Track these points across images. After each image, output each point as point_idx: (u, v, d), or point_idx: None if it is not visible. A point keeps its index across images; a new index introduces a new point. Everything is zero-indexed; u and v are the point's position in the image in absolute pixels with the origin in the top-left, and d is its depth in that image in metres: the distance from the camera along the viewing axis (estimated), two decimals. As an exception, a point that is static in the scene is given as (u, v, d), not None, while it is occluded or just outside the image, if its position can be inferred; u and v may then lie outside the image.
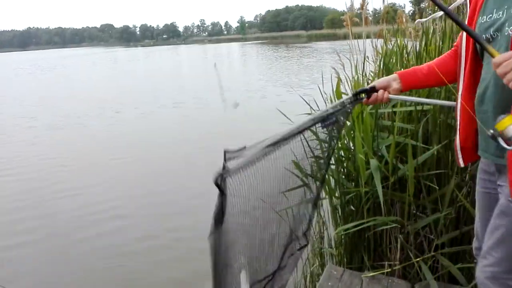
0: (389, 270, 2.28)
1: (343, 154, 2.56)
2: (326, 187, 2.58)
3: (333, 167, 2.58)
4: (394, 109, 2.37)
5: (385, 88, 1.59)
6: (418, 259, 2.18)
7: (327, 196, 2.59)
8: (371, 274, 2.27)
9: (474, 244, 1.56)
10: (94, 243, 3.67)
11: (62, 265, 3.37)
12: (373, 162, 2.15)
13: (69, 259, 3.44)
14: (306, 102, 2.82)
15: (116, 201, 4.52)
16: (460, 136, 1.43)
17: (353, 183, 2.42)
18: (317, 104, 2.78)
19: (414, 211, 2.29)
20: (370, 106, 2.32)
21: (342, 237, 2.51)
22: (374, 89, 1.59)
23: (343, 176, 2.52)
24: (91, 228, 3.91)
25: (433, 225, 2.21)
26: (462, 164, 1.47)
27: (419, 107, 2.29)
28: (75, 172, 5.46)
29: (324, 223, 2.78)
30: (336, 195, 2.58)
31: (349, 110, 1.60)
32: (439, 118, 2.26)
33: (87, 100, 9.77)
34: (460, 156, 1.46)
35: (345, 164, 2.56)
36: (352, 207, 2.42)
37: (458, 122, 1.43)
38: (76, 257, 3.45)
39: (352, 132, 2.43)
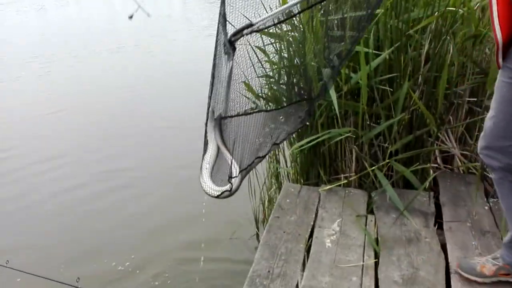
0: (346, 181, 2.28)
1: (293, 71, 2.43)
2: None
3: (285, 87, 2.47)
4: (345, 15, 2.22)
5: None
6: (373, 167, 2.18)
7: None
8: (328, 187, 2.26)
9: (481, 142, 1.46)
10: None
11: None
12: (326, 71, 2.04)
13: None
14: None
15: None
16: (502, 31, 1.27)
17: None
18: None
19: (368, 122, 2.26)
20: (320, 13, 2.17)
21: (297, 155, 2.46)
22: None
23: (296, 91, 2.41)
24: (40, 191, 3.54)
25: (387, 132, 2.19)
26: (501, 64, 1.34)
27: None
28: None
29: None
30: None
31: None
32: (389, 23, 2.16)
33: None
34: (500, 55, 1.32)
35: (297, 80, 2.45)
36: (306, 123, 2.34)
37: (496, 15, 1.27)
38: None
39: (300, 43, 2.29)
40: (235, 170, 1.22)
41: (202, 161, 1.31)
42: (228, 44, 1.30)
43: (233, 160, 1.24)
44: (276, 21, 1.30)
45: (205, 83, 1.38)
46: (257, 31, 1.26)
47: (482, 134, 1.46)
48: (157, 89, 5.79)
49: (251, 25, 1.21)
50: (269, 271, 1.71)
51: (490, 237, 1.86)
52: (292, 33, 2.40)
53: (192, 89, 5.04)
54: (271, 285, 1.64)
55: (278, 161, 2.73)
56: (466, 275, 1.61)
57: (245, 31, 1.24)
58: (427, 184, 2.10)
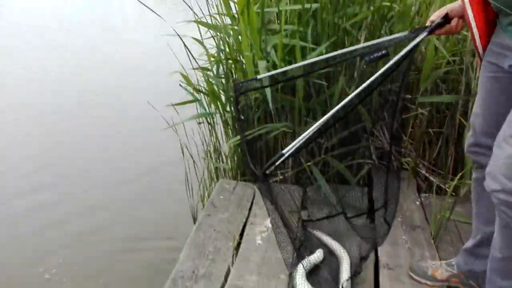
0: (282, 177, 2.23)
1: (232, 64, 2.35)
2: (218, 102, 2.38)
3: (223, 80, 2.38)
4: (281, 8, 2.17)
5: (462, 15, 1.32)
6: (309, 163, 2.14)
7: (217, 111, 2.41)
8: (264, 183, 2.19)
9: (469, 140, 1.40)
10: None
11: None
12: (261, 63, 1.98)
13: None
14: None
15: None
16: (476, 20, 1.26)
17: (242, 91, 2.24)
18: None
19: (305, 118, 2.23)
20: (257, 4, 2.10)
21: (234, 150, 2.37)
22: (447, 19, 1.33)
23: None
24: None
25: (323, 128, 2.16)
26: (482, 56, 1.31)
27: (307, 6, 2.13)
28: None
29: (217, 140, 2.61)
30: (227, 109, 2.40)
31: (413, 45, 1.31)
32: (327, 18, 2.14)
33: None
34: (480, 48, 1.30)
35: (235, 74, 2.37)
36: (242, 117, 2.26)
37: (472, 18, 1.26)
38: None
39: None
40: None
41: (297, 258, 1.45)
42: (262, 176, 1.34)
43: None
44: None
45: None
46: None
47: (470, 132, 1.39)
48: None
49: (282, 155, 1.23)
50: (193, 272, 1.61)
51: (420, 231, 1.87)
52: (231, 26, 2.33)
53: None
54: (194, 286, 1.54)
55: (217, 158, 2.63)
56: (417, 278, 1.57)
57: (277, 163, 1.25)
58: (360, 179, 2.09)
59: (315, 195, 2.09)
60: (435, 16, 1.37)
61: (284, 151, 1.18)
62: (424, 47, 2.21)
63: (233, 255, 1.72)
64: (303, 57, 2.01)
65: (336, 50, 2.07)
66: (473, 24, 1.27)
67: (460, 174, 1.92)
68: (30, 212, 2.82)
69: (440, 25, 1.34)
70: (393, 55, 1.32)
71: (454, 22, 1.34)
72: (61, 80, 5.39)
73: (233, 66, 2.36)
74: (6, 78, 5.41)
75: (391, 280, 1.58)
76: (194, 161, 2.59)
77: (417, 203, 2.07)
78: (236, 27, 2.29)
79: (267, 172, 1.33)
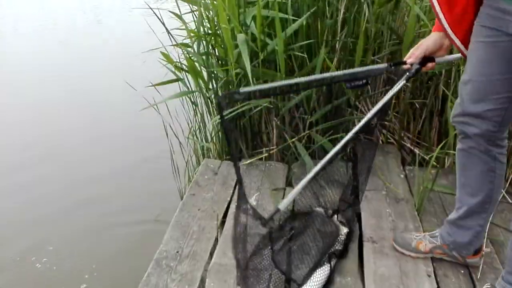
0: (267, 155, 2.20)
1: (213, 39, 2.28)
2: (199, 80, 2.32)
3: (203, 57, 2.32)
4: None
5: (437, 51, 1.38)
6: (293, 139, 2.11)
7: (198, 89, 2.35)
8: (249, 161, 2.17)
9: (456, 110, 1.35)
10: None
11: None
12: (240, 36, 1.92)
13: None
14: None
15: None
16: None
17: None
18: None
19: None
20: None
21: (218, 129, 2.34)
22: (425, 59, 1.39)
23: (214, 62, 2.27)
24: None
25: (306, 103, 2.13)
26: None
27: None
28: None
29: (202, 119, 2.56)
30: (210, 87, 2.35)
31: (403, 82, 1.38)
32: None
33: None
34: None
35: (216, 51, 2.31)
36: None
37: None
38: None
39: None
40: None
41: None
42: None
43: None
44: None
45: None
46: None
47: (457, 100, 1.35)
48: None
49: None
50: (177, 252, 1.60)
51: (404, 204, 1.87)
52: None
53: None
54: (178, 267, 1.53)
55: (203, 138, 2.59)
56: (400, 249, 1.57)
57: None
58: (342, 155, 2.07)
59: (300, 172, 2.08)
60: (413, 57, 1.40)
61: (280, 206, 1.15)
62: (406, 15, 2.16)
63: (217, 234, 1.71)
64: (283, 30, 1.96)
65: (317, 21, 2.05)
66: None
67: (441, 144, 1.91)
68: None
69: (417, 71, 1.39)
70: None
71: (430, 65, 1.40)
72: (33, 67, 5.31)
73: (213, 41, 2.29)
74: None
75: (375, 253, 1.59)
76: (180, 142, 2.55)
77: (402, 176, 2.07)
78: (215, 1, 2.22)
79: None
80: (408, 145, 2.25)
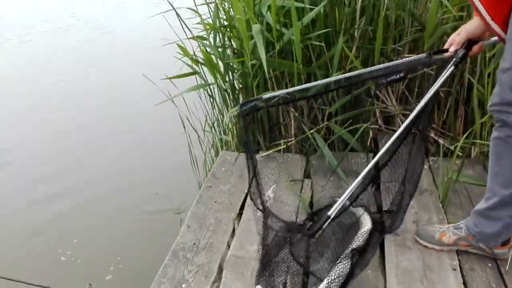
0: (285, 147, 2.17)
1: (230, 31, 2.26)
2: (216, 73, 2.30)
3: (219, 49, 2.30)
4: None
5: (480, 36, 1.28)
6: (311, 130, 2.07)
7: (216, 82, 2.33)
8: (266, 153, 2.14)
9: (493, 98, 1.28)
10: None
11: None
12: (255, 26, 1.89)
13: None
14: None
15: None
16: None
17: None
18: None
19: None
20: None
21: (235, 121, 2.31)
22: (468, 45, 1.29)
23: (230, 55, 2.25)
24: None
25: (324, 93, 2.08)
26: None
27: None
28: None
29: (220, 112, 2.55)
30: (227, 79, 2.33)
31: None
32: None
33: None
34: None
35: (233, 43, 2.28)
36: (241, 86, 2.20)
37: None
38: None
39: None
40: None
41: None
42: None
43: None
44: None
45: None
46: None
47: (495, 89, 1.28)
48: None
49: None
50: (194, 244, 1.59)
51: (427, 195, 1.81)
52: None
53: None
54: (195, 258, 1.52)
55: (221, 130, 2.58)
56: (423, 243, 1.51)
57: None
58: (366, 145, 2.02)
59: (318, 163, 2.03)
60: (455, 43, 1.30)
61: (329, 213, 1.10)
62: (428, 1, 2.08)
63: (234, 226, 1.68)
64: (299, 19, 1.91)
65: (334, 9, 1.99)
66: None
67: (466, 133, 1.83)
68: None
69: (464, 56, 1.29)
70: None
71: (476, 48, 1.30)
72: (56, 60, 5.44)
73: (230, 33, 2.26)
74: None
75: (397, 246, 1.53)
76: (198, 135, 2.54)
77: (425, 167, 1.99)
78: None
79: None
80: (432, 135, 2.17)
